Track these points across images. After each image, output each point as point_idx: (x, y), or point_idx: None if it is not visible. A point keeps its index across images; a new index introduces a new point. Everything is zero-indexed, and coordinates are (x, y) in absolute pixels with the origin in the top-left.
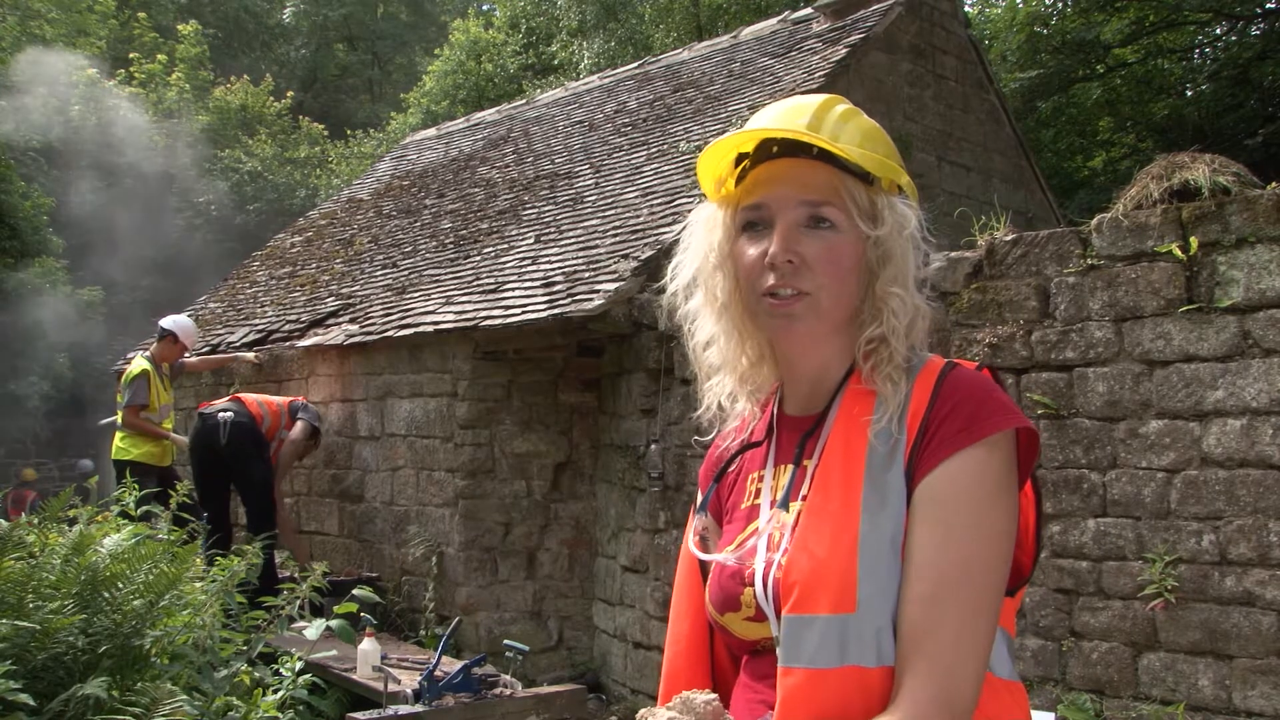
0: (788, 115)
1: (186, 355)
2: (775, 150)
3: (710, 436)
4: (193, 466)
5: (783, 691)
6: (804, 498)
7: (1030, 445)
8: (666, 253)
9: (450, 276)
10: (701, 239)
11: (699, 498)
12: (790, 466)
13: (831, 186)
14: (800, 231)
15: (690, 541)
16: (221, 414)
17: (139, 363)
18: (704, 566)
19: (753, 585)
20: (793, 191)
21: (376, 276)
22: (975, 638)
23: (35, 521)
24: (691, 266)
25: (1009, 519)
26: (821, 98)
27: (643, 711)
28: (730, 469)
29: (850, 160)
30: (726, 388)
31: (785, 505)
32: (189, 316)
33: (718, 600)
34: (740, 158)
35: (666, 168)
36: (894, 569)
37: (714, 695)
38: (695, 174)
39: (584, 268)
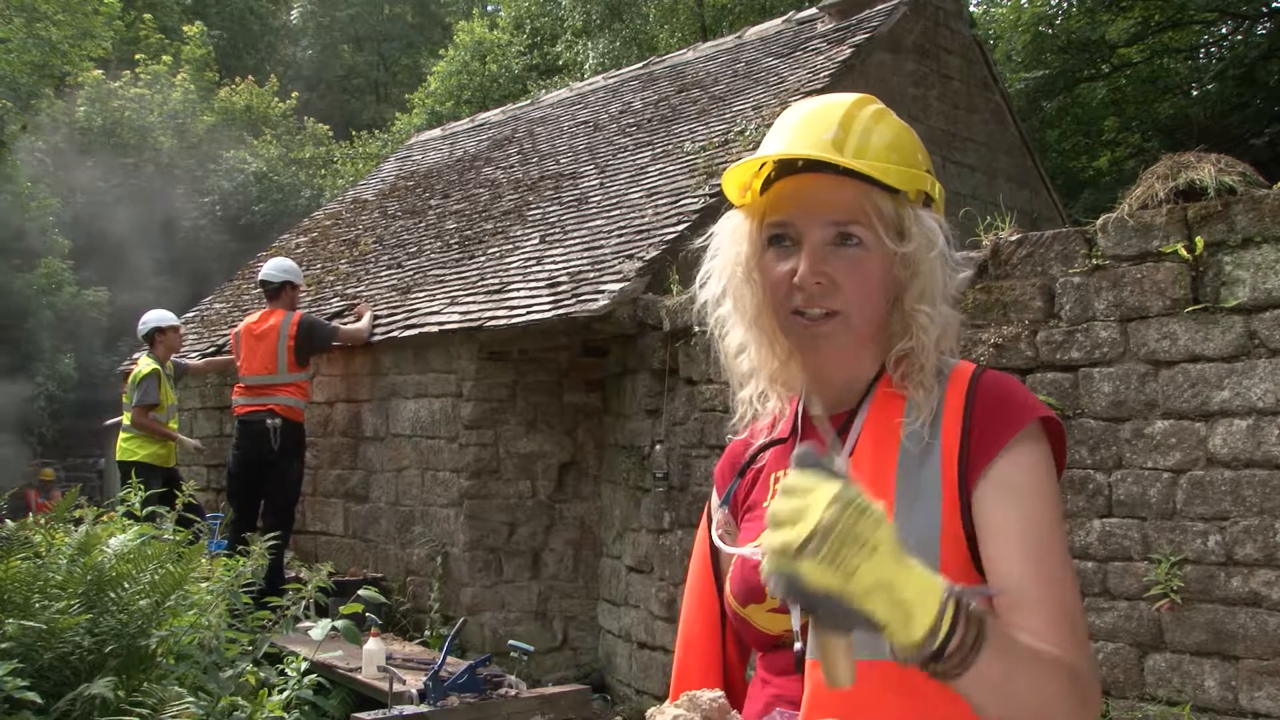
0: (813, 126)
1: (190, 358)
2: (800, 164)
3: (743, 435)
4: (234, 467)
5: (812, 684)
6: None
7: (1058, 434)
8: (672, 253)
9: (455, 277)
10: (728, 250)
11: (715, 495)
12: None
13: (858, 204)
14: (827, 251)
15: (714, 534)
16: (270, 421)
17: (146, 363)
18: (719, 565)
19: None
20: (819, 211)
21: (381, 277)
22: (1076, 591)
23: (41, 521)
24: (719, 277)
25: (1061, 499)
26: (849, 101)
27: (651, 711)
28: (752, 466)
29: (876, 177)
30: (758, 388)
31: None
32: (166, 312)
33: (740, 592)
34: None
35: (671, 168)
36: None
37: (720, 693)
38: (699, 174)
39: (589, 268)
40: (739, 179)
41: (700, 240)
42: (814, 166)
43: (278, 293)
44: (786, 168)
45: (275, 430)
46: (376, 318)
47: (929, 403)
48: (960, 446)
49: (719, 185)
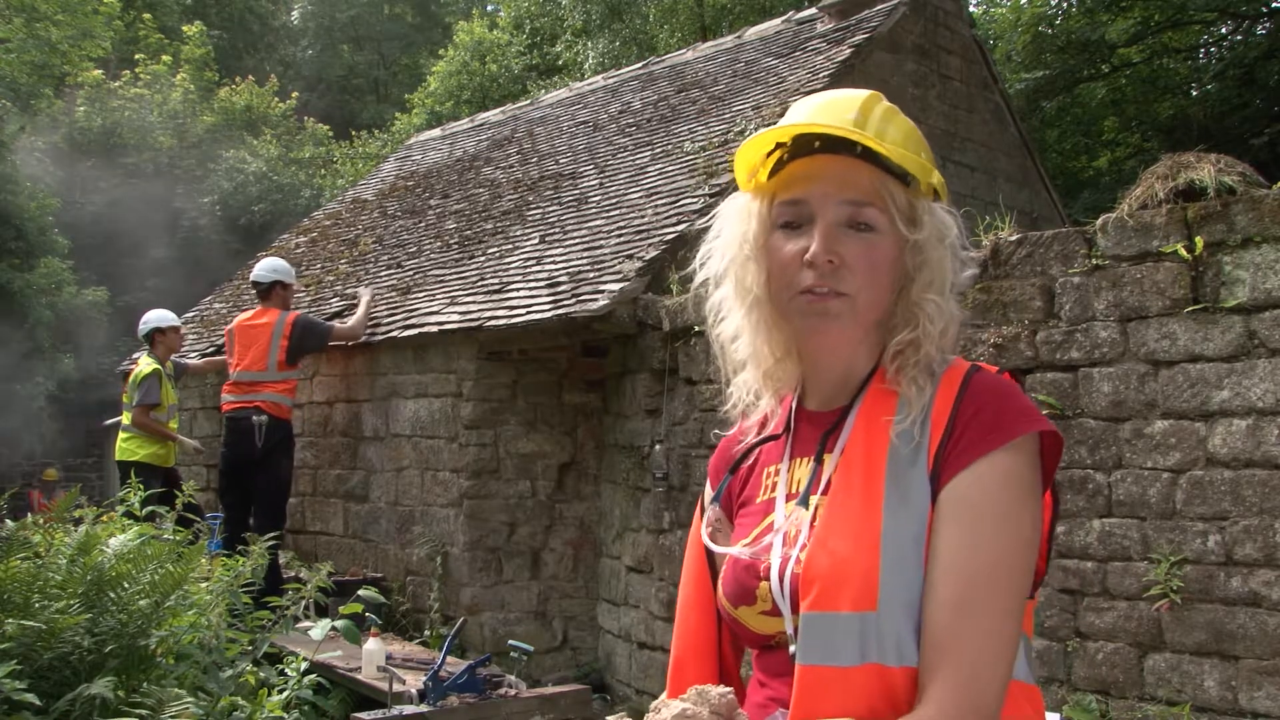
0: (833, 110)
1: (190, 357)
2: (816, 145)
3: (732, 430)
4: (223, 465)
5: (799, 688)
6: (823, 494)
7: (1054, 449)
8: (672, 253)
9: (455, 277)
10: (734, 229)
11: (708, 490)
12: (809, 461)
13: (874, 187)
14: (841, 231)
15: (703, 533)
16: (255, 417)
17: (147, 362)
18: (714, 560)
19: (768, 579)
20: (835, 190)
21: (381, 277)
22: (1002, 644)
23: (40, 521)
24: (722, 256)
25: (1034, 524)
26: (865, 93)
27: (655, 702)
28: (745, 462)
29: (893, 161)
30: (751, 383)
31: (805, 501)
32: (166, 312)
33: (732, 593)
34: (776, 145)
35: (671, 168)
36: (916, 569)
37: (729, 690)
38: (699, 174)
39: (588, 268)
40: (752, 158)
41: (702, 221)
42: (830, 148)
43: (268, 292)
44: (800, 150)
45: (260, 427)
46: (377, 318)
47: (920, 400)
48: (939, 447)
49: (719, 185)
